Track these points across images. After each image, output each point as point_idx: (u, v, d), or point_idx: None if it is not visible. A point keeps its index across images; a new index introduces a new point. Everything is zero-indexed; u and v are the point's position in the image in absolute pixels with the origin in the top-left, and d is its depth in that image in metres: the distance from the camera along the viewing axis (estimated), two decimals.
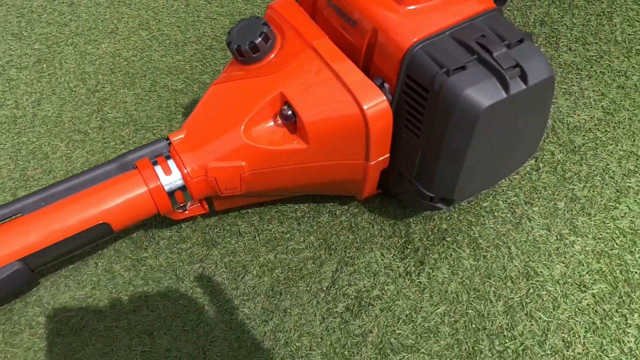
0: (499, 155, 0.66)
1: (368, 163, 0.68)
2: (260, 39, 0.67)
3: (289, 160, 0.68)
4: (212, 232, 0.80)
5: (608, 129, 0.84)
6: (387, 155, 0.69)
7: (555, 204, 0.78)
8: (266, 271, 0.75)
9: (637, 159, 0.81)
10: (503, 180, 0.80)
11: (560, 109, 0.88)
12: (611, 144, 0.83)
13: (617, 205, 0.77)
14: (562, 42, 0.96)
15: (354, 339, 0.69)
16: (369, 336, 0.69)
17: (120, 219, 0.66)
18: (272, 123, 0.68)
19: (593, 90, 0.89)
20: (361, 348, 0.68)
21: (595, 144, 0.83)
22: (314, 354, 0.68)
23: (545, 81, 0.60)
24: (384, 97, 0.63)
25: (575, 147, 0.83)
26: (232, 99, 0.69)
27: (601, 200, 0.78)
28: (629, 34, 0.95)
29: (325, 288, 0.73)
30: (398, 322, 0.70)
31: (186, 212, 0.74)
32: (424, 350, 0.67)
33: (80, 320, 0.73)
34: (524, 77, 0.58)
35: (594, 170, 0.80)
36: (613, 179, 0.79)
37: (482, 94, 0.57)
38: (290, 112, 0.65)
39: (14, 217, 0.65)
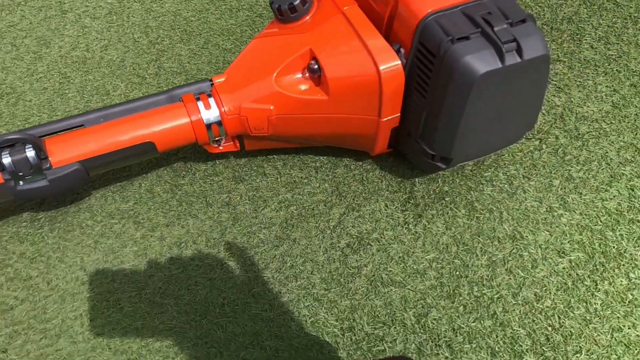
0: (494, 123, 0.75)
1: (380, 119, 0.79)
2: (298, 1, 0.79)
3: (310, 109, 0.79)
4: (241, 170, 0.92)
5: (613, 122, 0.92)
6: (398, 114, 0.79)
7: (550, 181, 0.86)
8: (283, 207, 0.87)
9: (636, 151, 0.88)
10: (505, 155, 0.89)
11: (572, 99, 0.95)
12: (614, 135, 0.90)
13: (608, 188, 0.84)
14: (586, 39, 1.03)
15: (350, 270, 0.80)
16: (364, 270, 0.79)
17: (164, 141, 0.79)
18: (300, 75, 0.79)
19: (606, 86, 0.96)
20: (355, 278, 0.79)
21: (599, 133, 0.91)
22: (314, 277, 0.79)
23: (540, 58, 0.69)
24: (399, 61, 0.74)
25: (579, 134, 0.91)
26: (268, 52, 0.81)
27: (594, 183, 0.85)
28: None
29: (331, 227, 0.84)
30: (391, 261, 0.80)
31: (220, 147, 0.86)
32: (410, 287, 0.77)
33: (121, 227, 0.87)
34: (519, 51, 0.67)
35: (592, 156, 0.88)
36: (609, 165, 0.87)
37: (480, 61, 0.67)
38: (316, 67, 0.77)
39: (77, 128, 0.79)
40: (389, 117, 0.79)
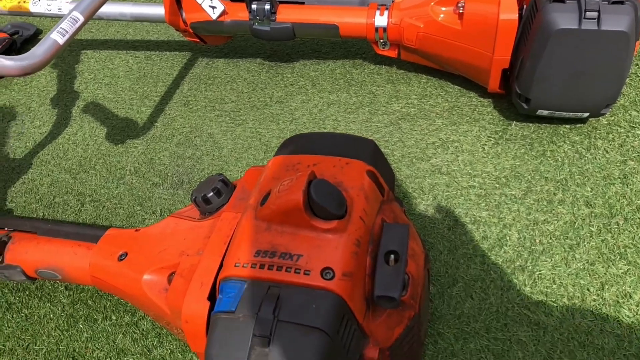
0: (572, 81, 0.97)
1: (493, 56, 1.06)
2: None
3: (447, 34, 1.11)
4: (394, 77, 1.30)
5: None
6: (508, 57, 1.05)
7: (626, 160, 1.01)
8: (406, 106, 1.22)
9: None
10: (602, 130, 1.07)
11: None
12: None
13: None
14: None
15: (425, 157, 1.10)
16: (432, 159, 1.10)
17: (345, 28, 1.21)
18: (450, 8, 1.11)
19: None
20: (422, 162, 1.09)
21: None
22: (398, 152, 1.12)
23: (617, 33, 0.88)
24: (516, 15, 1.00)
25: None
26: None
27: None
28: None
29: (429, 129, 1.15)
30: (455, 161, 1.08)
31: (384, 50, 1.24)
32: (456, 180, 1.05)
33: (304, 84, 1.32)
34: (598, 21, 0.88)
35: None
36: None
37: (562, 19, 0.91)
38: (462, 4, 1.08)
39: (299, 3, 1.26)
40: (499, 57, 1.06)
